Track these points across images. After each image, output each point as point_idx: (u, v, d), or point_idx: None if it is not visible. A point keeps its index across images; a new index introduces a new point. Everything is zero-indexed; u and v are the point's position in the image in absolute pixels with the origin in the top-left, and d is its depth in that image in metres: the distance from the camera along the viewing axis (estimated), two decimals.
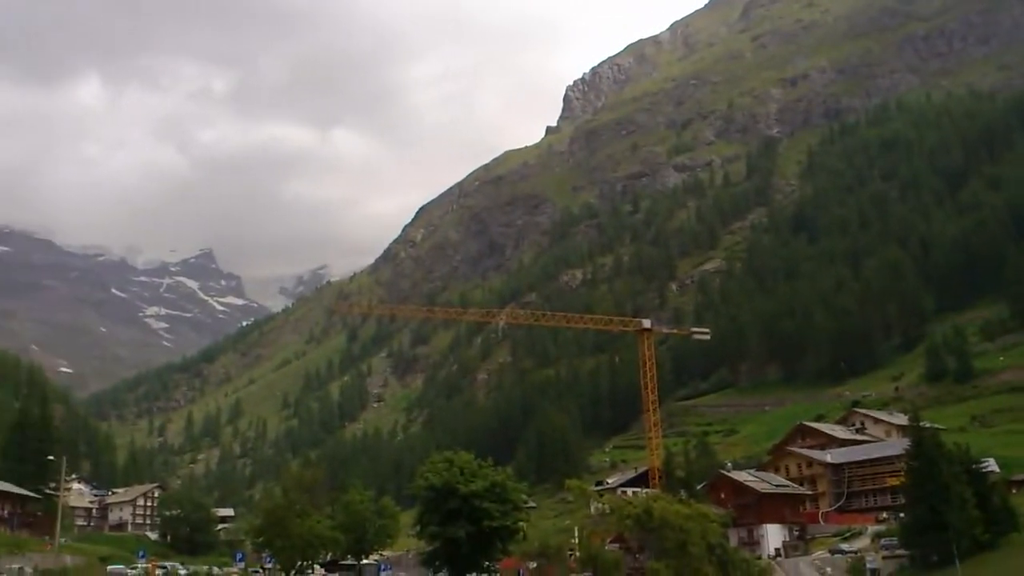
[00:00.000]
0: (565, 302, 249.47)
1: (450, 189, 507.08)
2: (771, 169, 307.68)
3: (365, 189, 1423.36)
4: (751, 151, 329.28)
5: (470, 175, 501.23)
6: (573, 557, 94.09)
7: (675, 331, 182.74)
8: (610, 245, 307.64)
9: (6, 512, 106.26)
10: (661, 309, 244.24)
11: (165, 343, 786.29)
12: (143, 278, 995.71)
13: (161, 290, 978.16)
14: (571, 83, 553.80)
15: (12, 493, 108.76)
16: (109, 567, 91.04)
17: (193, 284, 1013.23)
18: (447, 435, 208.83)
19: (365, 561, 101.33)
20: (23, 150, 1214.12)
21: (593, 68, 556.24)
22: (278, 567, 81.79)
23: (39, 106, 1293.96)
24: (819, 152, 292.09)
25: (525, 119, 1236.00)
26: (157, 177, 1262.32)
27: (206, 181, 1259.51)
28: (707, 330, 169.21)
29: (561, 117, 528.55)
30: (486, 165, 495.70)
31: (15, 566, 76.95)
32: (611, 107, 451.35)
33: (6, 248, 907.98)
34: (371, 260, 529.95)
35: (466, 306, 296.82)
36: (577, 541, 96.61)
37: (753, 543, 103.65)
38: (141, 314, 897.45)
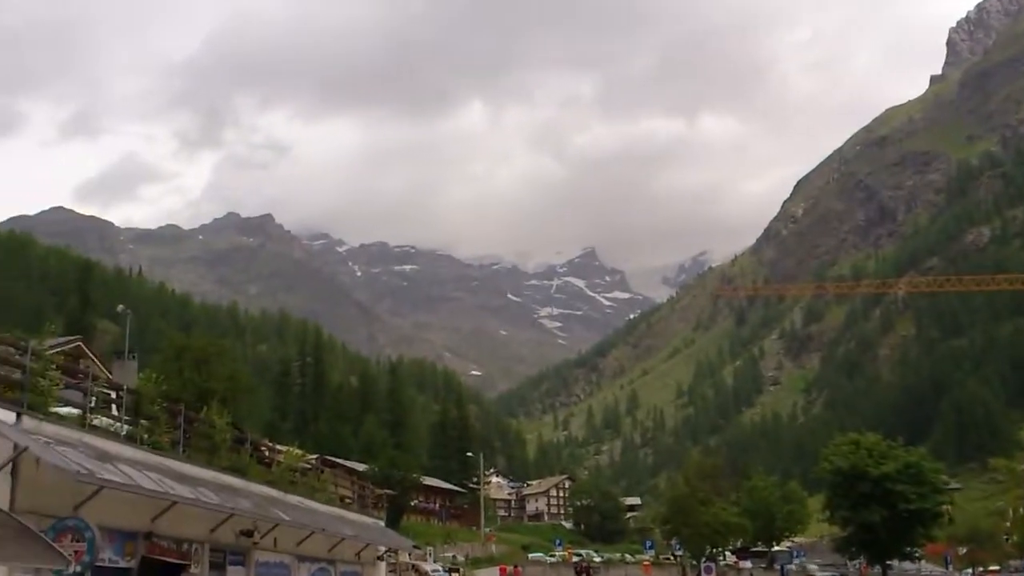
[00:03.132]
0: (972, 264, 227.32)
1: (829, 157, 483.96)
2: None
3: (738, 170, 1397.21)
4: None
5: (849, 140, 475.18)
6: (1009, 541, 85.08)
7: None
8: (1020, 195, 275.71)
9: (437, 505, 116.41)
10: None
11: (560, 341, 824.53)
12: (534, 281, 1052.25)
13: (551, 291, 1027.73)
14: (954, 24, 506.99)
15: (441, 488, 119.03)
16: (530, 555, 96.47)
17: (580, 282, 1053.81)
18: (850, 415, 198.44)
19: (776, 548, 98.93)
20: (420, 176, 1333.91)
21: (978, 4, 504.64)
22: (688, 554, 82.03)
23: (430, 135, 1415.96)
24: None
25: (904, 72, 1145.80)
26: (538, 185, 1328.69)
27: (583, 183, 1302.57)
28: None
29: (946, 63, 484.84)
30: (867, 127, 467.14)
31: (449, 554, 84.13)
32: (1004, 43, 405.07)
33: (415, 266, 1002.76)
34: (751, 241, 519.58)
35: (859, 278, 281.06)
36: (1010, 524, 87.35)
37: None
38: (536, 316, 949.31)
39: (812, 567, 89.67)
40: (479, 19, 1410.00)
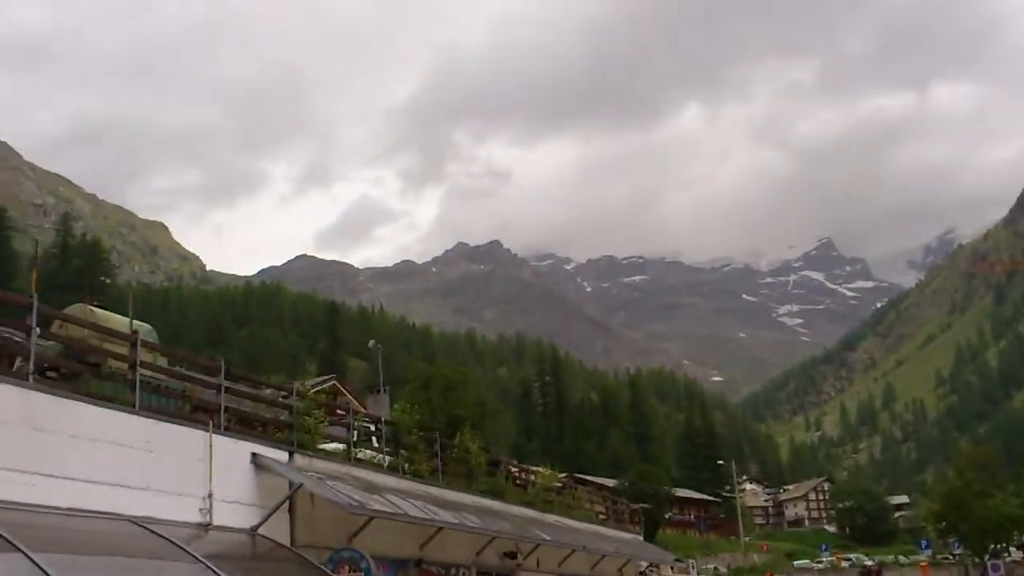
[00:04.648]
0: None
1: None
2: None
3: (979, 138, 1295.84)
4: None
5: None
6: None
7: None
8: None
9: (692, 517, 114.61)
10: None
11: (803, 338, 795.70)
12: (769, 279, 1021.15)
13: (788, 287, 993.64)
14: None
15: (694, 499, 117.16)
16: (795, 562, 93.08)
17: (818, 275, 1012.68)
18: None
19: None
20: (641, 185, 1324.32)
21: None
22: (968, 552, 76.47)
23: (647, 142, 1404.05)
24: None
25: None
26: (764, 180, 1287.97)
27: (811, 172, 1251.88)
28: None
29: None
30: None
31: (710, 566, 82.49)
32: None
33: (645, 276, 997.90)
34: (1003, 212, 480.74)
35: None
36: None
37: None
38: (774, 314, 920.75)
39: None
40: (686, 21, 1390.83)
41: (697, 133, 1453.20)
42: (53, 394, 11.85)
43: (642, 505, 61.50)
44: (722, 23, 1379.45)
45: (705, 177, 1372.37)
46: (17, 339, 14.52)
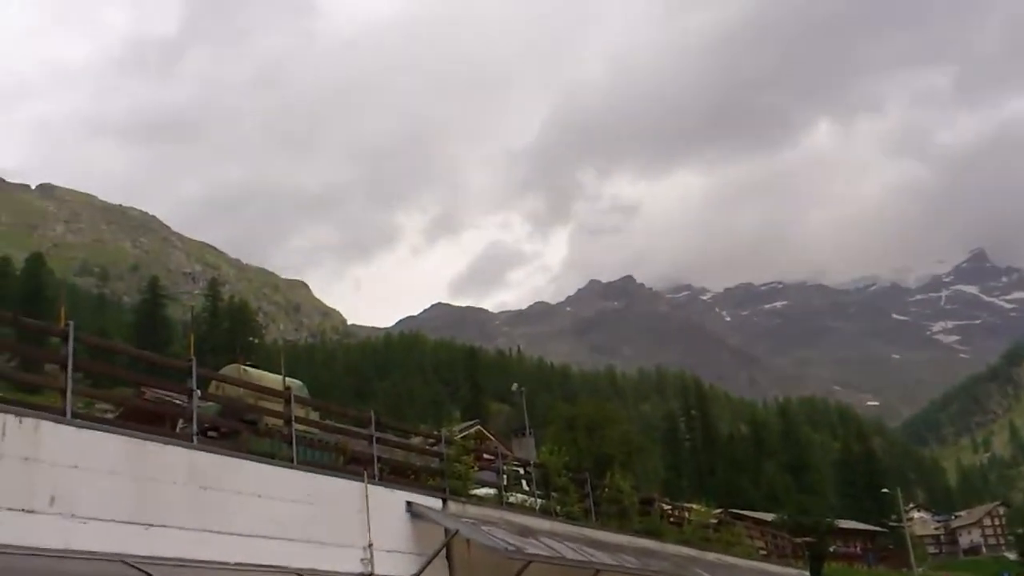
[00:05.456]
0: None
1: None
2: None
3: None
4: None
5: None
6: None
7: None
8: None
9: (859, 549, 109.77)
10: None
11: (962, 356, 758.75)
12: (919, 296, 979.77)
13: (941, 304, 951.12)
14: None
15: (859, 530, 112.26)
16: None
17: (972, 289, 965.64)
18: None
19: None
20: (774, 208, 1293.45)
21: None
22: None
23: (777, 165, 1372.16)
24: None
25: None
26: (905, 193, 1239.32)
27: (954, 182, 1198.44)
28: None
29: None
30: None
31: None
32: None
33: (786, 302, 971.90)
34: None
35: None
36: None
37: None
38: (928, 333, 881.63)
39: None
40: (808, 37, 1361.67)
41: (830, 149, 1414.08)
42: (216, 453, 12.22)
43: (805, 539, 59.26)
44: (845, 36, 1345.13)
45: (841, 195, 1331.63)
46: (178, 402, 15.11)
